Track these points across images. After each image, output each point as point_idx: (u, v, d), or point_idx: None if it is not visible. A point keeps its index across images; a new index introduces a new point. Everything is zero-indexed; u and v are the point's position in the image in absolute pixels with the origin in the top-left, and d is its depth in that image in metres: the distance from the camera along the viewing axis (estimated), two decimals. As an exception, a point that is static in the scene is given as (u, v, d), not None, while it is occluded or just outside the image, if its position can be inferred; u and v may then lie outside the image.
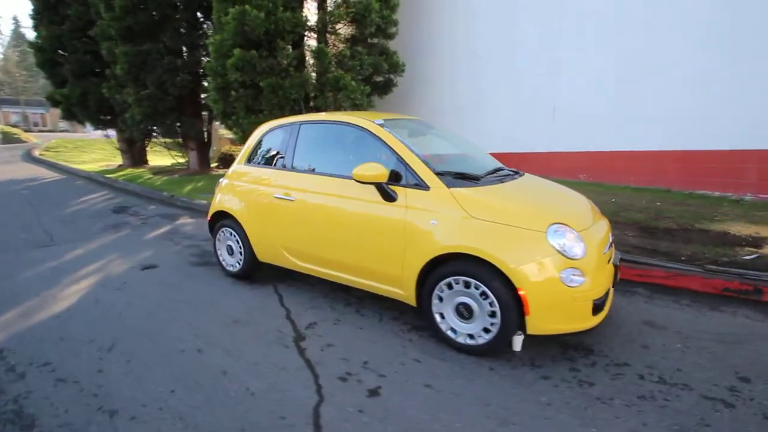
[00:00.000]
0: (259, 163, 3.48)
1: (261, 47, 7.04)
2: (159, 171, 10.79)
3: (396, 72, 8.52)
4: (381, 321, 2.86)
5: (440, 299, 2.45)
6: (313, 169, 3.06)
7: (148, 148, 12.43)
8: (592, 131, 6.82)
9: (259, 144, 3.53)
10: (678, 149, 5.95)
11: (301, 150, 3.19)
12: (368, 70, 7.77)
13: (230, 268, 3.72)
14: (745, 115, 5.32)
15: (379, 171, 2.49)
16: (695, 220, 4.72)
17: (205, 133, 10.79)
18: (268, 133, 3.47)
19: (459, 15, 8.59)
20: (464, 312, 2.37)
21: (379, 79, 8.66)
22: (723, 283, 3.20)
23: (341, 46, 7.40)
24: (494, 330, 2.28)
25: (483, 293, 2.27)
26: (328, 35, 7.43)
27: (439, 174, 2.52)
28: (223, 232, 3.70)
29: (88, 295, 3.37)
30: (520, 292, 2.15)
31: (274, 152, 3.37)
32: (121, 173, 10.44)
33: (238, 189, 3.53)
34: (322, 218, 2.91)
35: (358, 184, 2.69)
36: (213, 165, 11.82)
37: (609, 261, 2.48)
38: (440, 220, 2.38)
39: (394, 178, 2.59)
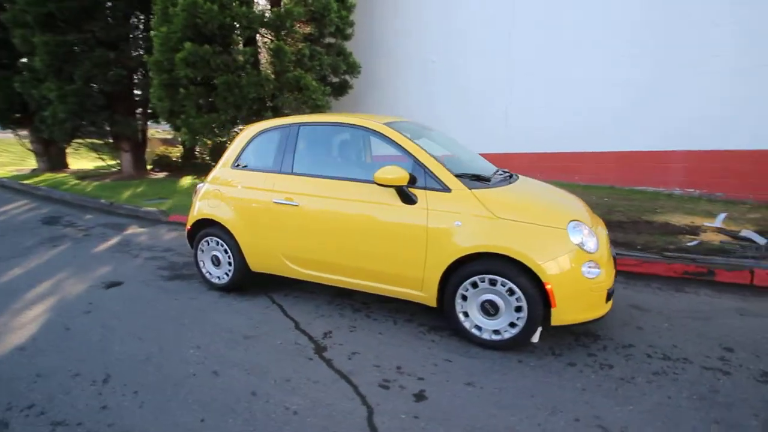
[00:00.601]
0: (250, 167, 3.26)
1: (213, 42, 6.60)
2: (85, 175, 9.61)
3: (353, 73, 8.49)
4: (396, 324, 2.85)
5: (464, 298, 2.51)
6: (319, 173, 2.95)
7: (67, 150, 11.01)
8: (544, 134, 7.36)
9: (248, 147, 3.31)
10: (618, 150, 6.64)
11: (303, 152, 3.05)
12: (327, 71, 7.65)
13: (216, 281, 3.45)
14: (673, 118, 6.10)
15: (401, 174, 2.47)
16: (641, 213, 5.32)
17: (140, 133, 9.84)
18: (260, 135, 3.27)
19: (410, 18, 8.77)
20: (490, 309, 2.45)
21: (335, 80, 8.56)
22: (683, 267, 3.65)
23: (300, 45, 7.18)
24: (520, 324, 2.38)
25: (509, 289, 2.37)
26: (284, 33, 7.17)
27: (457, 176, 2.57)
28: (207, 241, 3.41)
29: (53, 322, 2.92)
30: (547, 287, 2.27)
31: (268, 155, 3.18)
32: (40, 179, 9.12)
33: (226, 195, 3.28)
34: (332, 223, 2.82)
35: (373, 187, 2.66)
36: (148, 168, 10.82)
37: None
38: (465, 221, 2.43)
39: (411, 180, 2.59)
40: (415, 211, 2.55)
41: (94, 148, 9.68)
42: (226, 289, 3.42)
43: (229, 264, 3.35)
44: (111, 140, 9.45)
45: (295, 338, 2.67)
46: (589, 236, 2.40)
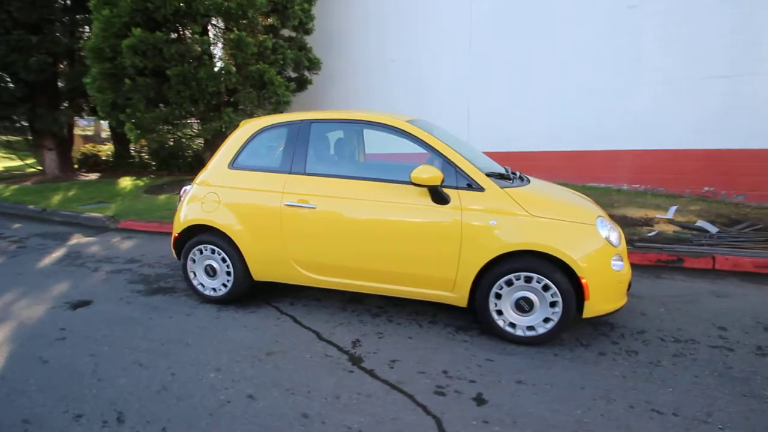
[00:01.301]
0: (252, 167, 2.99)
1: (165, 29, 5.99)
2: (-3, 178, 8.22)
3: (313, 69, 8.21)
4: (422, 327, 2.78)
5: (498, 296, 2.52)
6: (336, 173, 2.78)
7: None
8: (504, 134, 7.70)
9: (248, 145, 3.03)
10: (572, 150, 7.16)
11: (317, 151, 2.87)
12: (289, 65, 7.32)
13: (211, 293, 3.13)
14: (622, 122, 6.71)
15: (435, 174, 2.42)
16: (602, 208, 5.77)
17: (66, 129, 8.63)
18: (263, 132, 3.01)
19: (369, 16, 8.69)
20: (525, 306, 2.48)
21: (293, 75, 8.23)
22: (655, 256, 4.03)
23: (262, 36, 6.77)
24: (555, 318, 2.44)
25: (545, 285, 2.42)
26: (244, 23, 6.71)
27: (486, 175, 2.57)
28: (200, 250, 3.08)
29: (21, 355, 2.45)
30: (583, 281, 2.35)
31: (274, 154, 2.95)
32: (-64, 183, 7.62)
33: (224, 198, 2.98)
34: (354, 225, 2.68)
35: (401, 187, 2.59)
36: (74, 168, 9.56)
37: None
38: (500, 220, 2.44)
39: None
40: (448, 211, 2.51)
41: (9, 145, 8.32)
42: (223, 301, 3.12)
43: (228, 274, 3.05)
44: (30, 137, 8.18)
45: (324, 350, 2.50)
46: (612, 230, 2.54)
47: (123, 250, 4.56)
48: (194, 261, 3.13)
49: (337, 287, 2.88)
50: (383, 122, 2.76)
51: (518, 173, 3.11)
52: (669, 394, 2.09)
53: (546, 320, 2.47)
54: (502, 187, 2.52)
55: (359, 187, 2.70)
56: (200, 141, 8.91)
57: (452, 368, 2.31)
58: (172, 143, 8.91)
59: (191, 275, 3.17)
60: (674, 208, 5.40)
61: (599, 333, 2.70)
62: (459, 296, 2.61)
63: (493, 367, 2.32)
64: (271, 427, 1.85)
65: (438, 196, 2.51)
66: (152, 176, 9.25)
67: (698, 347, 2.53)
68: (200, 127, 6.48)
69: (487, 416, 1.92)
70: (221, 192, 3.00)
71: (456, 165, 2.56)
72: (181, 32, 6.30)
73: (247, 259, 2.96)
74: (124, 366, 2.33)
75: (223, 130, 6.44)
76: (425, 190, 2.54)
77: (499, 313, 2.55)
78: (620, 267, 2.47)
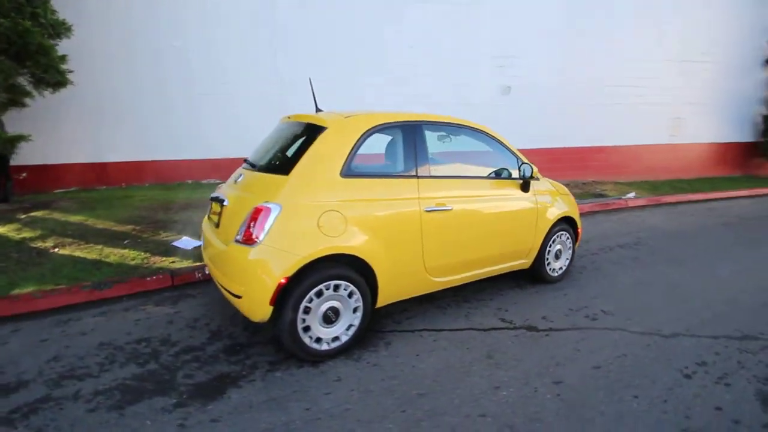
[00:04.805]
0: (371, 173, 2.53)
1: None
2: None
3: (57, 37, 5.58)
4: (504, 295, 3.39)
5: (548, 253, 3.57)
6: (452, 173, 2.89)
7: None
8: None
9: (358, 147, 2.48)
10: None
11: (430, 153, 2.78)
12: (48, 28, 4.76)
13: (330, 345, 2.41)
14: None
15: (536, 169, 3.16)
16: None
17: None
18: (374, 132, 2.55)
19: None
20: (558, 254, 3.66)
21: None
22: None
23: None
24: (569, 259, 3.77)
25: (567, 237, 3.69)
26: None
27: (529, 168, 3.52)
28: (318, 292, 2.30)
29: None
30: (579, 230, 3.80)
31: (394, 158, 2.61)
32: None
33: (349, 213, 2.37)
34: (482, 220, 2.97)
35: (501, 181, 3.15)
36: None
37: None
38: (552, 199, 3.48)
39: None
40: (531, 197, 3.28)
41: None
42: (340, 351, 2.44)
43: (354, 311, 2.45)
44: None
45: (502, 336, 2.72)
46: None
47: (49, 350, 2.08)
48: (308, 312, 2.26)
49: (449, 285, 2.99)
50: (471, 126, 3.08)
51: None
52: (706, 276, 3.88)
53: (567, 259, 3.76)
54: (543, 176, 3.56)
55: (474, 184, 2.98)
56: None
57: (570, 305, 3.19)
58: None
59: (301, 329, 2.26)
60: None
61: (581, 258, 4.24)
62: (529, 260, 3.46)
63: (574, 297, 3.38)
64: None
65: (528, 186, 3.23)
66: None
67: (653, 244, 4.55)
68: None
69: (626, 317, 3.00)
70: (344, 208, 2.35)
71: (524, 162, 3.34)
72: None
73: (381, 283, 2.51)
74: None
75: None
76: (517, 182, 3.20)
77: (548, 263, 3.61)
78: (578, 218, 4.10)
